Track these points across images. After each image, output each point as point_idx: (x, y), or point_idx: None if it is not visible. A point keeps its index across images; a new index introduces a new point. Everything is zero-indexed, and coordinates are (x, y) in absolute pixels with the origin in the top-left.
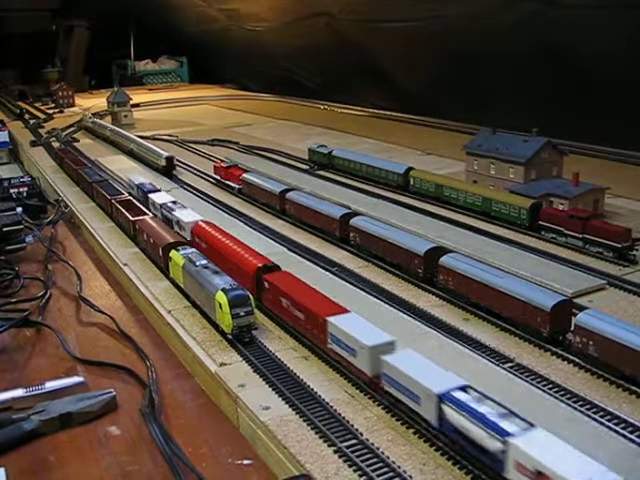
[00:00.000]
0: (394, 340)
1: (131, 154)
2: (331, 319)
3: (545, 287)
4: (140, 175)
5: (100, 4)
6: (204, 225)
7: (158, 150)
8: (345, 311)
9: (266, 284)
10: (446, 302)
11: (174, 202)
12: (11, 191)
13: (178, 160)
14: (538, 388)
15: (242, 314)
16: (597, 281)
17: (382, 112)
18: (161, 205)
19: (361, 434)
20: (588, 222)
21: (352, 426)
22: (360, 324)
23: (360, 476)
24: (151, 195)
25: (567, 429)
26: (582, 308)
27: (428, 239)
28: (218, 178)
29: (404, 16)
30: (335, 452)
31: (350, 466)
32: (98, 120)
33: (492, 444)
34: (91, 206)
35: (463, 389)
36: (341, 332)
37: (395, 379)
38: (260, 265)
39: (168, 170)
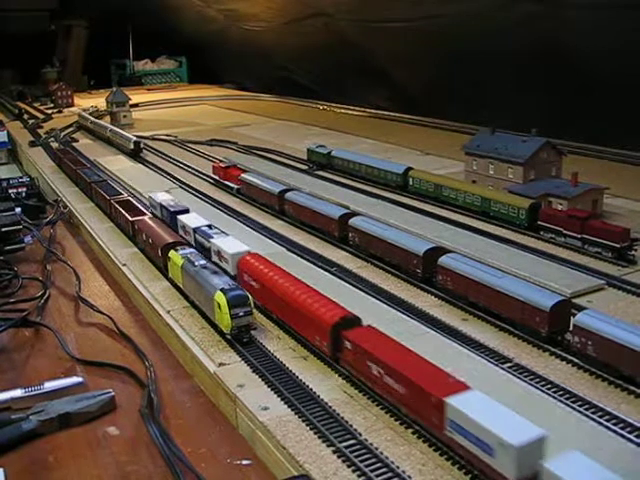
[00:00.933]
0: (545, 435)
1: (108, 141)
2: (451, 401)
3: (544, 287)
4: (161, 191)
5: (99, 4)
6: (254, 259)
7: (128, 135)
8: (464, 387)
9: (347, 343)
10: (445, 302)
11: (209, 226)
12: (10, 191)
13: (177, 160)
14: (537, 388)
15: (241, 314)
16: (596, 281)
17: (381, 112)
18: (195, 230)
19: (360, 434)
20: (587, 222)
21: (351, 426)
22: (492, 409)
23: (359, 476)
24: (181, 217)
25: (566, 429)
26: (581, 308)
27: (427, 239)
28: (217, 178)
29: (403, 16)
30: (334, 452)
31: (349, 466)
32: (84, 113)
33: None
34: (90, 206)
35: None
36: (468, 420)
37: None
38: (338, 319)
39: (136, 153)
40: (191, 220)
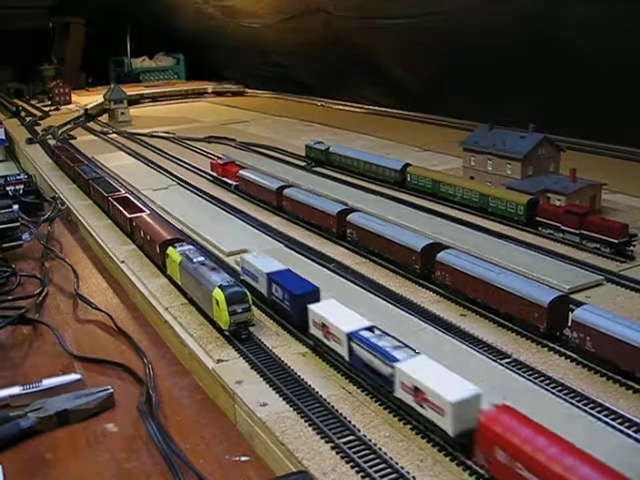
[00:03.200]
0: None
1: None
2: None
3: (542, 283)
4: (256, 251)
5: (97, 1)
6: (512, 419)
7: None
8: None
9: None
10: (443, 298)
11: (371, 328)
12: (7, 189)
13: (175, 157)
14: (535, 384)
15: (239, 311)
16: (594, 277)
17: (379, 108)
18: (350, 336)
19: (358, 430)
20: (585, 218)
21: (349, 422)
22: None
23: (357, 472)
24: (313, 307)
25: (564, 424)
26: (579, 304)
27: (425, 235)
28: (215, 175)
29: (402, 13)
30: (332, 448)
31: (347, 462)
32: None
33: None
34: (88, 203)
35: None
36: None
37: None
38: None
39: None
40: (332, 313)
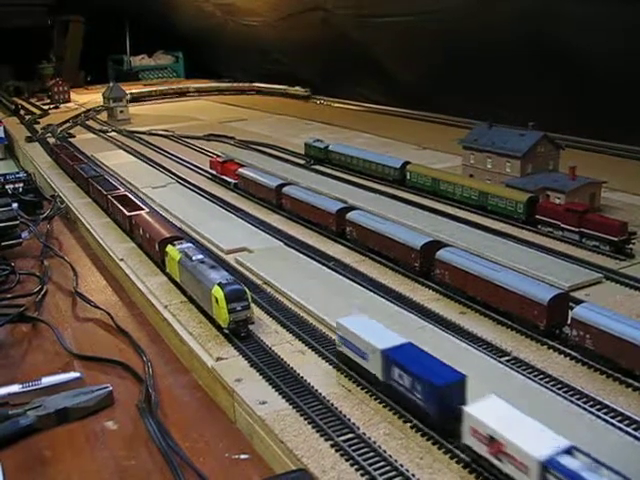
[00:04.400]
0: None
1: None
2: None
3: (542, 281)
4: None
5: None
6: None
7: None
8: None
9: None
10: (443, 296)
11: (570, 450)
12: (7, 187)
13: (174, 155)
14: (535, 381)
15: (239, 309)
16: (594, 275)
17: (378, 106)
18: (547, 466)
19: (358, 428)
20: (585, 216)
21: (349, 420)
22: None
23: (357, 470)
24: (473, 411)
25: (564, 422)
26: (579, 301)
27: (425, 233)
28: (214, 173)
29: (399, 11)
30: (332, 446)
31: (347, 460)
32: None
33: None
34: (87, 202)
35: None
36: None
37: None
38: None
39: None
40: (506, 422)
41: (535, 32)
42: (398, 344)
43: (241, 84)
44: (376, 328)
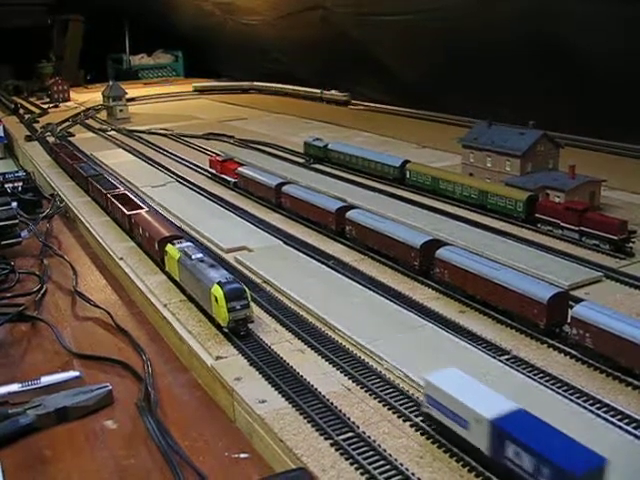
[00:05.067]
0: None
1: None
2: None
3: (541, 279)
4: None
5: None
6: None
7: None
8: None
9: None
10: (442, 295)
11: None
12: (6, 186)
13: (173, 154)
14: (535, 380)
15: (238, 307)
16: (593, 273)
17: (378, 105)
18: None
19: (357, 427)
20: (584, 214)
21: (348, 419)
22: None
23: (357, 469)
24: None
25: (563, 421)
26: (579, 300)
27: (424, 232)
28: (213, 172)
29: (399, 9)
30: (331, 445)
31: (346, 459)
32: None
33: None
34: (86, 200)
35: None
36: None
37: None
38: None
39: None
40: None
41: (535, 32)
42: (509, 411)
43: (266, 84)
44: (474, 387)
